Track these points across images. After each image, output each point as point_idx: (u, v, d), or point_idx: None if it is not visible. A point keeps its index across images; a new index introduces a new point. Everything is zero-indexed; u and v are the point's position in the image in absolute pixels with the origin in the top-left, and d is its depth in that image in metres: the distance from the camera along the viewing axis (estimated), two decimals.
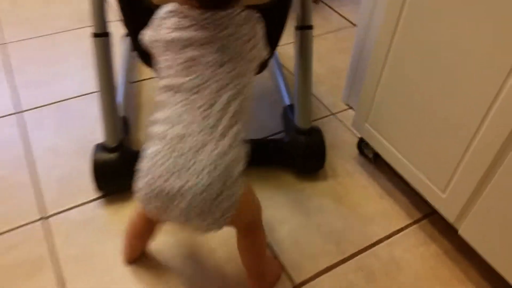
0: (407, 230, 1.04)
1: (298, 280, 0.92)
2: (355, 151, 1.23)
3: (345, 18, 1.79)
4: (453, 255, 0.99)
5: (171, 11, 0.70)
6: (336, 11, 1.82)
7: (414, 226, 1.05)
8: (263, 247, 0.84)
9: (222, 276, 0.91)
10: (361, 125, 1.12)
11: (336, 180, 1.14)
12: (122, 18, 0.95)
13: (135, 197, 0.71)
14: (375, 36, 0.99)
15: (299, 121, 1.11)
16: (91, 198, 1.06)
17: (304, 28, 1.05)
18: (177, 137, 0.66)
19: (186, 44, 0.68)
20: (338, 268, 0.95)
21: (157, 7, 0.78)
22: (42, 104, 1.31)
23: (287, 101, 1.26)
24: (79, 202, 1.05)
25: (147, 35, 0.74)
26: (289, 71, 1.46)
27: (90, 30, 0.98)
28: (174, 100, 0.68)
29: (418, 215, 1.07)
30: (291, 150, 1.11)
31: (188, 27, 0.68)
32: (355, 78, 1.33)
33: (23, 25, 1.65)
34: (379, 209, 1.08)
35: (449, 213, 0.93)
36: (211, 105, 0.67)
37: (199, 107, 0.67)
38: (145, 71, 1.40)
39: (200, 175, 0.64)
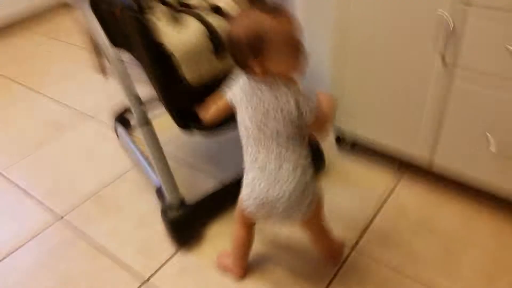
0: (398, 185, 1.47)
1: (351, 243, 1.28)
2: (334, 146, 1.63)
3: None
4: (435, 186, 1.44)
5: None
6: None
7: (401, 180, 1.48)
8: (330, 239, 1.19)
9: (308, 260, 1.24)
10: (337, 118, 1.51)
11: (334, 171, 1.54)
12: (161, 98, 1.24)
13: (246, 212, 1.03)
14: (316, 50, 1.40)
15: None
16: (172, 252, 1.31)
17: None
18: (260, 167, 0.98)
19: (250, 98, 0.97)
20: (371, 225, 1.33)
21: (194, 86, 1.11)
22: (80, 203, 1.51)
23: None
24: (166, 259, 1.29)
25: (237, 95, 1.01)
26: None
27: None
28: (258, 146, 0.98)
29: (400, 171, 1.51)
30: None
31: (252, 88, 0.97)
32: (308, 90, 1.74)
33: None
34: (372, 179, 1.50)
35: (423, 158, 1.36)
36: (282, 142, 0.97)
37: (275, 146, 0.97)
38: None
39: (285, 185, 0.97)
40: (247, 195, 1.01)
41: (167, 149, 1.37)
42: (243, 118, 0.99)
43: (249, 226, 1.14)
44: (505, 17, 1.02)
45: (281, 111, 0.94)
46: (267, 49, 0.89)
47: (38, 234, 1.40)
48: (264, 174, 0.97)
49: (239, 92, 1.00)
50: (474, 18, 1.06)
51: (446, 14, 1.09)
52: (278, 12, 0.91)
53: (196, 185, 1.53)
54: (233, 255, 1.20)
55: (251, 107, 0.96)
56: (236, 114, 1.01)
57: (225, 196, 1.42)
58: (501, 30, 1.04)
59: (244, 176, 1.02)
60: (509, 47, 1.03)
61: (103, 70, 2.20)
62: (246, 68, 0.94)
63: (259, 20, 0.89)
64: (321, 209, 1.11)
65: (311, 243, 1.18)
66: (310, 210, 1.02)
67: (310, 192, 1.01)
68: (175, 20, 1.25)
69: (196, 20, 1.22)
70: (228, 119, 1.18)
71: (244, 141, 1.01)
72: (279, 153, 0.97)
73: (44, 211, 1.48)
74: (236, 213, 1.13)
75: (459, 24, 1.08)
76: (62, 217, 1.46)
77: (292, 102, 0.93)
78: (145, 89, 1.40)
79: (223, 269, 1.23)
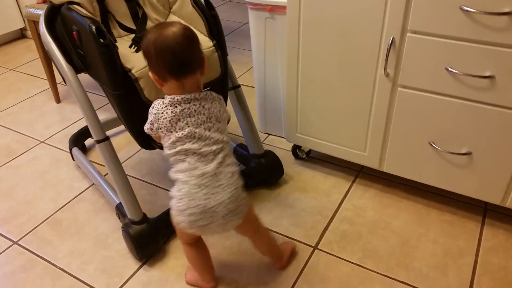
0: (352, 188, 1.54)
1: (312, 243, 1.33)
2: (291, 157, 1.69)
3: None
4: (386, 188, 1.52)
5: (166, 105, 1.00)
6: None
7: (355, 184, 1.56)
8: (270, 236, 1.22)
9: (257, 265, 1.26)
10: (293, 136, 1.59)
11: (293, 180, 1.59)
12: (121, 117, 1.26)
13: (179, 227, 1.04)
14: (270, 70, 1.47)
15: (255, 149, 1.54)
16: (135, 269, 1.29)
17: (235, 87, 1.49)
18: (198, 177, 1.00)
19: (183, 123, 1.00)
20: (330, 226, 1.38)
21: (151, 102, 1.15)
22: (35, 226, 1.46)
23: (233, 144, 1.67)
24: (129, 275, 1.27)
25: (150, 128, 1.05)
26: None
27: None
28: (188, 157, 1.01)
29: (353, 175, 1.58)
30: (259, 171, 1.52)
31: (183, 112, 1.00)
32: (265, 110, 1.81)
33: None
34: (328, 184, 1.56)
35: (373, 163, 1.46)
36: (213, 152, 1.02)
37: (206, 156, 1.01)
38: None
39: (225, 190, 1.01)
40: (183, 207, 1.01)
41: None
42: (176, 136, 1.01)
43: (196, 242, 1.16)
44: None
45: (215, 118, 1.03)
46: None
47: None
48: (204, 181, 1.00)
49: (166, 122, 1.01)
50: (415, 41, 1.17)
51: (393, 37, 1.19)
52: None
53: (157, 201, 1.53)
54: (197, 273, 1.20)
55: (178, 126, 1.00)
56: (163, 139, 1.04)
57: None
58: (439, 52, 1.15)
59: (175, 191, 1.03)
60: (449, 68, 1.15)
61: (57, 97, 2.17)
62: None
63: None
64: (252, 212, 1.15)
65: (256, 247, 1.21)
66: (245, 212, 1.07)
67: (244, 195, 1.06)
68: (136, 43, 1.28)
69: None
70: None
71: (177, 156, 1.02)
72: (219, 160, 1.01)
73: None
74: (177, 234, 1.16)
75: (402, 46, 1.19)
76: (16, 242, 1.40)
77: (218, 108, 1.05)
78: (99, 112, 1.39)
79: (195, 284, 1.22)
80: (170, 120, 1.00)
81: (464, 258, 1.26)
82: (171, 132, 1.01)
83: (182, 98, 1.00)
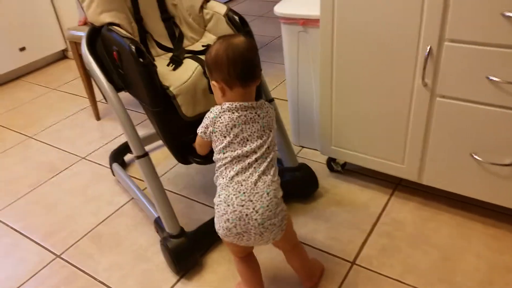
0: (390, 201, 1.51)
1: (350, 258, 1.30)
2: (326, 170, 1.68)
3: None
4: (426, 200, 1.48)
5: (224, 110, 1.04)
6: None
7: (393, 197, 1.52)
8: (306, 254, 1.21)
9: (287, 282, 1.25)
10: (328, 148, 1.58)
11: (329, 193, 1.57)
12: (160, 133, 1.30)
13: (221, 234, 1.04)
14: (303, 83, 1.47)
15: (289, 162, 1.53)
16: (174, 282, 1.30)
17: (269, 101, 1.50)
18: (238, 183, 1.02)
19: (238, 129, 1.03)
20: (368, 240, 1.36)
21: (190, 119, 1.18)
22: (76, 240, 1.50)
23: None
24: None
25: (204, 132, 1.08)
26: None
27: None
28: (234, 164, 1.02)
29: (391, 188, 1.55)
30: (294, 184, 1.52)
31: (239, 119, 1.04)
32: (298, 123, 1.81)
33: None
34: (365, 197, 1.54)
35: (411, 176, 1.42)
36: (259, 160, 1.03)
37: (250, 163, 1.02)
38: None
39: (261, 199, 1.01)
40: (221, 212, 1.02)
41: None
42: (228, 141, 1.04)
43: (247, 256, 1.16)
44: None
45: (267, 127, 1.06)
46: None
47: (36, 273, 1.39)
48: (242, 188, 1.01)
49: (222, 126, 1.04)
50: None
51: (430, 46, 1.18)
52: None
53: (193, 215, 1.54)
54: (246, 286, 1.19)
55: (233, 132, 1.03)
56: (215, 143, 1.07)
57: None
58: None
59: (216, 197, 1.05)
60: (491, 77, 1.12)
61: (97, 115, 2.25)
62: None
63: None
64: (292, 227, 1.15)
65: (290, 263, 1.20)
66: (285, 225, 1.06)
67: (283, 207, 1.06)
68: (174, 62, 1.32)
69: (192, 60, 1.30)
70: None
71: (224, 161, 1.04)
72: (263, 169, 1.03)
73: (41, 251, 1.47)
74: (228, 248, 1.15)
75: (440, 55, 1.17)
76: (59, 256, 1.45)
77: (272, 118, 1.08)
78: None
79: None
80: (226, 125, 1.04)
81: (511, 274, 1.21)
82: (225, 137, 1.04)
83: (240, 105, 1.04)
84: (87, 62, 1.39)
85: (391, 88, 1.31)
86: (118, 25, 1.32)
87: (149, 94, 1.20)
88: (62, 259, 1.44)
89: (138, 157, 1.32)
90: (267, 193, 1.02)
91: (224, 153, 1.04)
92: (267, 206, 1.01)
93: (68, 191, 1.75)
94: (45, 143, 2.11)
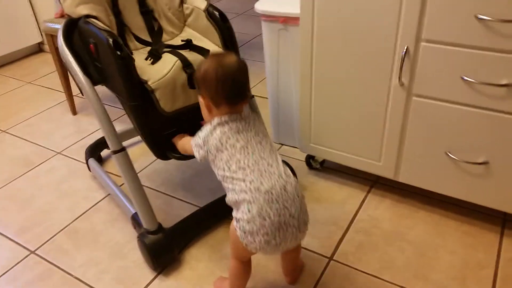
0: (367, 198, 1.53)
1: (328, 254, 1.32)
2: (305, 168, 1.69)
3: None
4: (402, 198, 1.50)
5: (215, 126, 1.03)
6: None
7: (370, 194, 1.54)
8: (300, 250, 1.22)
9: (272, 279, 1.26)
10: (307, 146, 1.59)
11: (307, 190, 1.58)
12: (138, 128, 1.28)
13: (251, 248, 0.99)
14: (283, 81, 1.48)
15: None
16: (151, 278, 1.29)
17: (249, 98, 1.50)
18: (266, 192, 0.96)
19: (233, 140, 1.01)
20: (346, 237, 1.37)
21: (169, 114, 1.17)
22: (51, 236, 1.48)
23: None
24: (145, 285, 1.27)
25: (199, 152, 1.06)
26: None
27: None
28: (247, 175, 0.98)
29: (368, 186, 1.57)
30: None
31: (231, 130, 1.02)
32: (278, 121, 1.82)
33: None
34: (343, 194, 1.55)
35: (388, 173, 1.44)
36: (273, 164, 1.01)
37: (266, 170, 0.99)
38: None
39: (293, 203, 0.99)
40: (255, 228, 0.97)
41: None
42: (228, 154, 1.01)
43: (247, 260, 1.14)
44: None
45: (261, 132, 1.06)
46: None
47: (9, 269, 1.36)
48: (274, 196, 0.97)
49: (215, 141, 1.02)
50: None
51: (406, 46, 1.20)
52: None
53: (171, 211, 1.53)
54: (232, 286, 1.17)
55: (229, 144, 1.01)
56: (214, 162, 1.04)
57: (201, 220, 1.43)
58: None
59: (241, 213, 0.98)
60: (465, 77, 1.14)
61: (73, 109, 2.21)
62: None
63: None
64: None
65: (285, 260, 1.20)
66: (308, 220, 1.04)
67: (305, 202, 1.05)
68: (152, 56, 1.30)
69: (171, 54, 1.28)
70: None
71: (234, 175, 1.00)
72: (281, 171, 1.00)
73: (14, 246, 1.44)
74: (233, 251, 1.10)
75: (417, 55, 1.19)
76: (33, 252, 1.42)
77: (261, 122, 1.09)
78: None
79: None
80: (219, 139, 1.02)
81: (484, 270, 1.24)
82: (222, 151, 1.01)
83: (229, 117, 1.03)
84: (63, 54, 1.36)
85: (369, 87, 1.33)
86: (95, 17, 1.30)
87: (126, 88, 1.18)
88: (37, 255, 1.41)
89: (114, 152, 1.29)
90: (297, 195, 1.00)
91: (229, 168, 1.00)
92: (300, 207, 1.00)
93: (43, 187, 1.72)
94: (20, 137, 2.06)
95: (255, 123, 1.07)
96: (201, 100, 1.07)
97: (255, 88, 2.31)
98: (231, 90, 1.02)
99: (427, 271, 1.25)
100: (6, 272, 1.35)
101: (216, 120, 1.04)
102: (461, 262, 1.27)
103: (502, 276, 1.22)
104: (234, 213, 1.01)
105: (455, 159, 1.28)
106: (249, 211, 0.96)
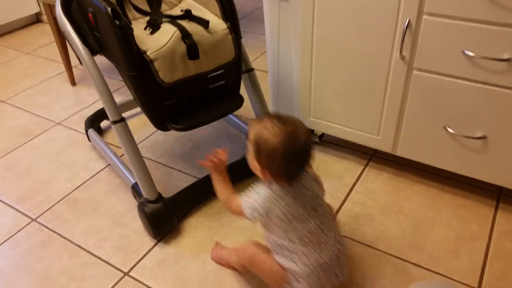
0: (365, 172, 1.54)
1: None
2: None
3: None
4: (399, 171, 1.52)
5: (275, 193, 0.98)
6: None
7: (368, 167, 1.56)
8: None
9: None
10: (306, 120, 1.59)
11: None
12: (137, 98, 1.28)
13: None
14: (283, 54, 1.47)
15: None
16: (151, 246, 1.32)
17: (249, 70, 1.50)
18: (322, 266, 1.00)
19: (293, 209, 0.99)
20: (342, 209, 1.39)
21: (168, 85, 1.16)
22: (52, 205, 1.50)
23: (245, 127, 1.67)
24: (145, 252, 1.30)
25: (255, 211, 0.99)
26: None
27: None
28: (301, 244, 1.00)
29: (366, 159, 1.59)
30: None
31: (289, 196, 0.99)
32: (278, 94, 1.81)
33: None
34: (341, 167, 1.57)
35: (386, 147, 1.45)
36: (326, 232, 1.03)
37: (319, 239, 1.01)
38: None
39: (343, 270, 1.06)
40: (305, 284, 1.01)
41: None
42: (280, 229, 1.00)
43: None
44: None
45: (316, 195, 1.04)
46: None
47: (12, 236, 1.38)
48: (327, 268, 1.02)
49: (277, 210, 0.99)
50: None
51: (408, 20, 1.18)
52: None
53: (171, 182, 1.55)
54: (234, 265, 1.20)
55: (300, 212, 1.00)
56: (269, 226, 1.02)
57: (200, 190, 1.45)
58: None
59: (291, 265, 1.01)
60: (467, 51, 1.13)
61: (72, 80, 2.20)
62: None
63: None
64: None
65: None
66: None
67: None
68: (151, 26, 1.29)
69: (170, 24, 1.27)
70: (204, 121, 1.31)
71: (289, 247, 1.01)
72: (333, 239, 1.05)
73: (16, 214, 1.46)
74: (236, 265, 1.17)
75: (418, 29, 1.18)
76: (34, 219, 1.44)
77: (316, 184, 1.06)
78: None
79: (219, 263, 1.24)
80: (285, 213, 0.98)
81: (477, 242, 1.27)
82: (282, 219, 0.98)
83: (289, 185, 0.99)
84: (62, 24, 1.35)
85: (369, 60, 1.32)
86: None
87: (125, 58, 1.18)
88: (38, 222, 1.43)
89: (114, 122, 1.30)
90: (348, 264, 1.09)
91: (286, 236, 1.00)
92: (346, 265, 1.07)
93: (43, 157, 1.73)
94: (19, 108, 2.06)
95: (311, 186, 1.04)
96: (257, 166, 0.98)
97: (256, 61, 2.29)
98: (296, 170, 0.98)
99: (421, 242, 1.27)
100: (8, 238, 1.38)
101: (279, 189, 0.99)
102: (455, 234, 1.29)
103: (494, 248, 1.24)
104: (281, 262, 1.03)
105: (453, 133, 1.28)
106: (303, 274, 1.00)
